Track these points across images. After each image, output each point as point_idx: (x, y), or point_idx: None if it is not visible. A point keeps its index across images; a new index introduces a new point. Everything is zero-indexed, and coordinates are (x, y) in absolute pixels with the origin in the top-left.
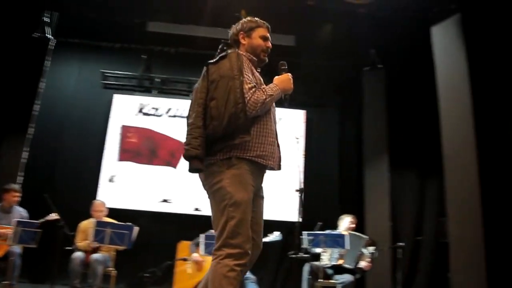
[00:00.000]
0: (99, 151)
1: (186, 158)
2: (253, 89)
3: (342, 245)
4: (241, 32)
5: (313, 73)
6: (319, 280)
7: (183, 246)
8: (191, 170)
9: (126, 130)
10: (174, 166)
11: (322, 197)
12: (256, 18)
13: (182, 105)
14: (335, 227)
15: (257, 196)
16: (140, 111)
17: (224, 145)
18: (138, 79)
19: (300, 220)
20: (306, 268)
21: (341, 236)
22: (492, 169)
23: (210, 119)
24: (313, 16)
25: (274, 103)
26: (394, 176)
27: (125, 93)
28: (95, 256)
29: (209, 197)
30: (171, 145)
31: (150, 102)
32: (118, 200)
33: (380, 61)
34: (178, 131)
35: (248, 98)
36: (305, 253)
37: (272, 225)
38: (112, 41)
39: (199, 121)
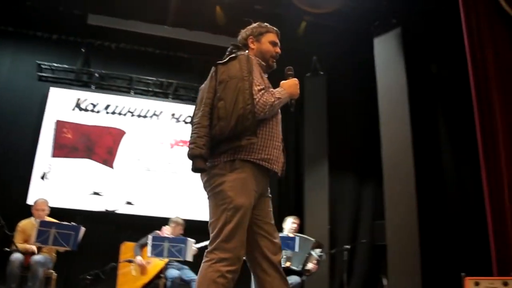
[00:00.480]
0: (32, 146)
1: (190, 156)
2: (262, 91)
3: (292, 248)
4: (251, 37)
5: None
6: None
7: (127, 248)
8: (194, 169)
9: (61, 125)
10: (111, 166)
11: None
12: (266, 24)
13: (122, 102)
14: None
15: (264, 197)
16: (77, 106)
17: (229, 147)
18: (76, 73)
19: None
20: None
21: (292, 239)
22: (428, 174)
23: (217, 120)
24: (258, 20)
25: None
26: (333, 180)
27: (62, 86)
28: (36, 257)
29: (208, 198)
30: (109, 142)
31: (88, 97)
32: (51, 198)
33: (321, 68)
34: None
35: (257, 99)
36: None
37: (203, 226)
38: (50, 31)
39: (205, 120)
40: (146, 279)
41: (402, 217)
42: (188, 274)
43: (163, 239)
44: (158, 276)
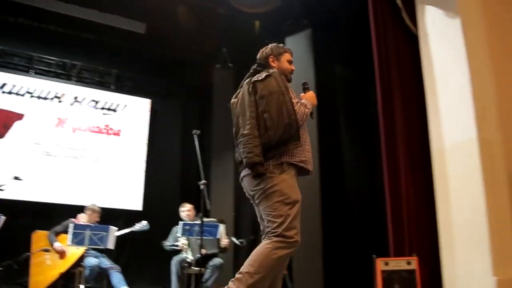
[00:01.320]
0: None
1: (250, 165)
2: (299, 104)
3: (214, 235)
4: (271, 56)
5: (164, 64)
6: (191, 268)
7: (38, 236)
8: (256, 175)
9: None
10: (2, 136)
11: (164, 187)
12: (282, 44)
13: (20, 81)
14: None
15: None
16: None
17: (277, 152)
18: None
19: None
20: (175, 259)
21: (215, 226)
22: (330, 168)
23: (264, 130)
24: (166, 5)
25: None
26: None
27: None
28: None
29: (261, 199)
30: (3, 117)
31: None
32: None
33: (231, 60)
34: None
35: (297, 110)
36: (173, 245)
37: (114, 213)
38: None
39: (256, 131)
40: (62, 268)
41: (306, 207)
42: (106, 262)
43: (85, 227)
44: (76, 265)
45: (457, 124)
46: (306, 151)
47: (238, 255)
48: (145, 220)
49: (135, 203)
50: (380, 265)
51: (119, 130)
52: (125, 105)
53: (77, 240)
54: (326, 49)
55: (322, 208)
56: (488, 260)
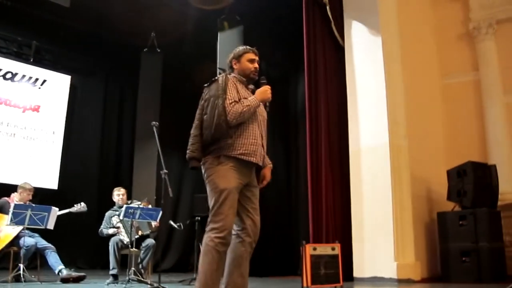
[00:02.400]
0: None
1: (187, 159)
2: (233, 103)
3: (155, 218)
4: (233, 59)
5: (86, 41)
6: (127, 249)
7: None
8: (191, 167)
9: None
10: None
11: (80, 167)
12: (245, 46)
13: None
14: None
15: (251, 186)
16: None
17: (214, 147)
18: None
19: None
20: (112, 241)
21: (156, 210)
22: None
23: (204, 129)
24: None
25: (264, 110)
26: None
27: None
28: None
29: (206, 186)
30: None
31: None
32: None
33: (160, 46)
34: None
35: (228, 110)
36: (114, 226)
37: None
38: None
39: (197, 131)
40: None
41: None
42: (42, 242)
43: (26, 207)
44: (10, 244)
45: (373, 130)
46: (250, 144)
47: (172, 236)
48: (59, 199)
49: (51, 181)
50: (309, 250)
51: (38, 106)
52: (45, 80)
53: (17, 220)
54: (258, 46)
55: None
56: (391, 248)
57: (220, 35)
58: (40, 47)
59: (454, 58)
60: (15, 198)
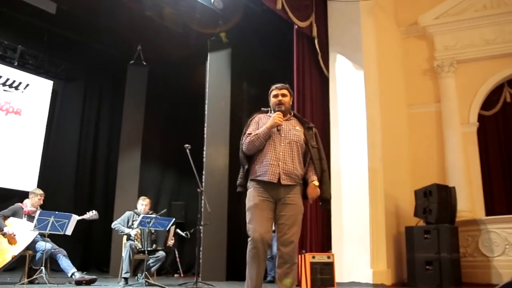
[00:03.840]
0: None
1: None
2: (246, 136)
3: (165, 227)
4: (269, 97)
5: (69, 47)
6: (137, 255)
7: None
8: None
9: None
10: None
11: (59, 171)
12: (275, 85)
13: None
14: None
15: (282, 204)
16: None
17: (246, 174)
18: None
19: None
20: (128, 245)
21: (168, 220)
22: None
23: None
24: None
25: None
26: (143, 166)
27: None
28: None
29: None
30: None
31: None
32: None
33: (146, 59)
34: None
35: (242, 143)
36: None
37: (8, 193)
38: None
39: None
40: (16, 251)
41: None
42: (54, 246)
43: (50, 214)
44: (27, 248)
45: (353, 154)
46: (264, 166)
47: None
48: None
49: (30, 184)
50: (309, 258)
51: (20, 109)
52: (27, 84)
53: (40, 226)
54: (242, 70)
55: (228, 203)
56: (368, 257)
57: (210, 56)
58: (24, 52)
59: (419, 90)
60: (28, 204)
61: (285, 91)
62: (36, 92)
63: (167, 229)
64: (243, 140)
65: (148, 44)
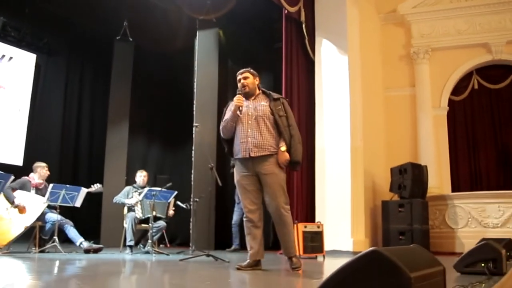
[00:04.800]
0: None
1: None
2: (222, 123)
3: (167, 199)
4: None
5: (52, 21)
6: (139, 225)
7: None
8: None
9: None
10: None
11: (44, 144)
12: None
13: None
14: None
15: (261, 175)
16: None
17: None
18: None
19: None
20: (129, 216)
21: (170, 192)
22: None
23: None
24: None
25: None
26: (131, 139)
27: None
28: None
29: None
30: None
31: None
32: None
33: (132, 35)
34: None
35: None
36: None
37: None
38: None
39: None
40: (27, 222)
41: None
42: (62, 217)
43: (62, 187)
44: (37, 219)
45: (336, 133)
46: (237, 145)
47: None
48: (24, 176)
49: (16, 158)
50: (301, 227)
51: (4, 83)
52: (11, 57)
53: (52, 198)
54: (229, 49)
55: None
56: (348, 227)
57: (199, 34)
58: (6, 23)
59: (396, 74)
60: (35, 177)
61: (246, 74)
62: (19, 65)
63: (168, 201)
64: (220, 127)
65: (134, 21)
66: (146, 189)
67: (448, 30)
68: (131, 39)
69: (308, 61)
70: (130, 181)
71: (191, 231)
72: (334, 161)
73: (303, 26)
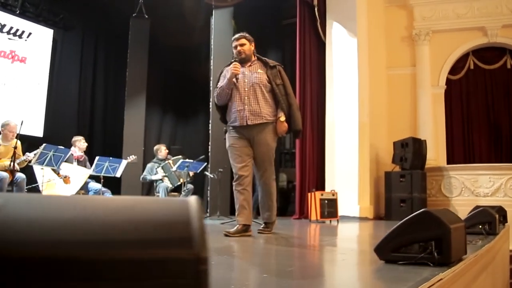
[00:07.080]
0: None
1: None
2: (216, 90)
3: (197, 169)
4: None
5: None
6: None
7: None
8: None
9: None
10: None
11: (62, 116)
12: (234, 37)
13: None
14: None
15: (254, 143)
16: None
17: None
18: None
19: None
20: (161, 187)
21: (201, 164)
22: None
23: None
24: None
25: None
26: (148, 112)
27: None
28: (21, 175)
29: None
30: None
31: None
32: None
33: (147, 12)
34: None
35: (214, 96)
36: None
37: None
38: None
39: None
40: (73, 190)
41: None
42: (104, 187)
43: (106, 159)
44: (80, 188)
45: (345, 109)
46: (232, 113)
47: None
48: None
49: (37, 129)
50: (318, 195)
51: (25, 58)
52: (30, 33)
53: (97, 170)
54: (244, 28)
55: None
56: (355, 195)
57: (214, 13)
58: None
59: (398, 54)
60: (76, 150)
61: (242, 40)
62: (38, 41)
63: (198, 171)
64: (214, 94)
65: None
66: (180, 161)
67: (448, 13)
68: (146, 16)
69: (319, 43)
70: (147, 152)
71: (208, 199)
72: (343, 135)
73: (315, 9)
